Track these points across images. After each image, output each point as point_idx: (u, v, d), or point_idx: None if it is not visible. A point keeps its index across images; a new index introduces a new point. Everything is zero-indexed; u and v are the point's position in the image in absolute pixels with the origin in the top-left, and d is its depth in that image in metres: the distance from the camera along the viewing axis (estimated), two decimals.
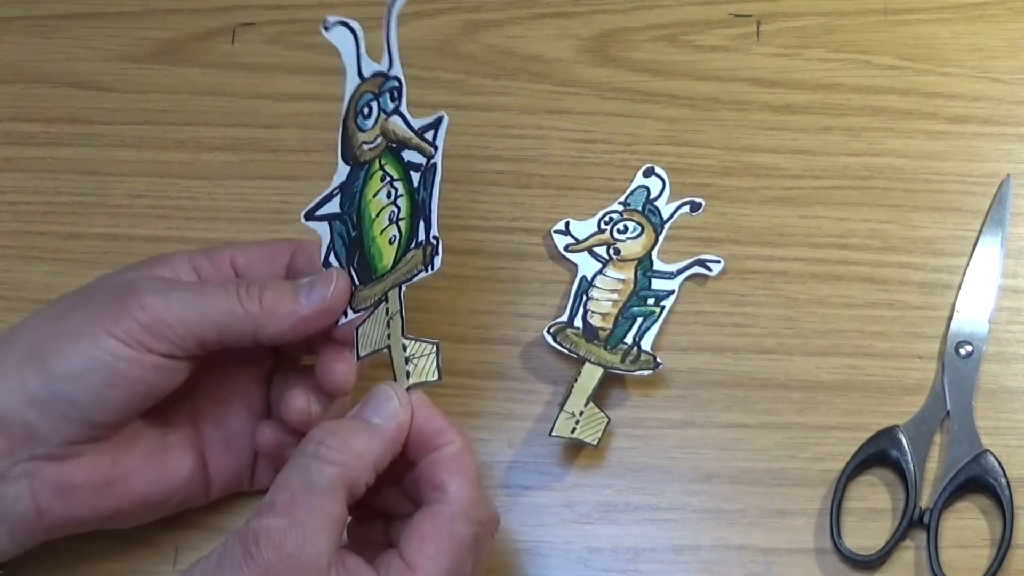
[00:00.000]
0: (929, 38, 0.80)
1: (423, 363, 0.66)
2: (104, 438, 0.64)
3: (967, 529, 0.69)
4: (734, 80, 0.80)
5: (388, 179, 0.64)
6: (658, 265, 0.75)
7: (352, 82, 0.63)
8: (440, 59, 0.82)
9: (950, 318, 0.73)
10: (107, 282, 0.66)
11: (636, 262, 0.75)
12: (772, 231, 0.76)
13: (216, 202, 0.78)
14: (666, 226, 0.76)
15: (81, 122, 0.81)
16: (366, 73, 0.63)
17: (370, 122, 0.63)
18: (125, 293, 0.63)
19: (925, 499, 0.70)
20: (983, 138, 0.78)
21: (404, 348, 0.65)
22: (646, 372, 0.72)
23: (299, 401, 0.65)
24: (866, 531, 0.69)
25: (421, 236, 0.65)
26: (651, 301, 0.74)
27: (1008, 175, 0.77)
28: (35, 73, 0.82)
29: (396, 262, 0.64)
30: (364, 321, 0.64)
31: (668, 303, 0.74)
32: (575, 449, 0.72)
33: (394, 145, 0.64)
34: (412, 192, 0.64)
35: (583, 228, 0.76)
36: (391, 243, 0.64)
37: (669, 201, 0.77)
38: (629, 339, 0.73)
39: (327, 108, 0.81)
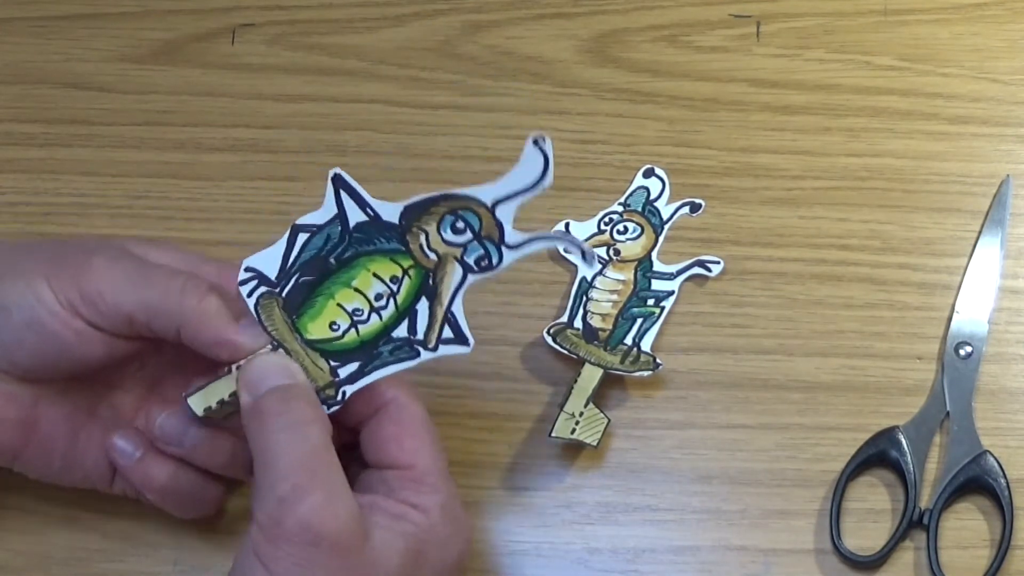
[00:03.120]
0: (929, 38, 0.80)
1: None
2: (28, 381, 0.64)
3: (967, 530, 0.69)
4: (734, 81, 0.80)
5: (393, 289, 0.61)
6: (658, 266, 0.75)
7: (485, 195, 0.60)
8: (440, 60, 0.82)
9: (950, 319, 0.73)
10: (94, 239, 0.66)
11: (636, 263, 0.75)
12: (772, 232, 0.76)
13: (216, 203, 0.78)
14: (666, 227, 0.76)
15: (81, 123, 0.81)
16: (498, 213, 0.59)
17: (450, 237, 0.60)
18: (85, 250, 0.63)
19: (925, 500, 0.70)
20: (983, 138, 0.78)
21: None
22: (646, 373, 0.72)
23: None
24: (866, 532, 0.69)
25: (342, 374, 0.62)
26: (651, 302, 0.74)
27: (1008, 175, 0.77)
28: (35, 74, 0.82)
29: (311, 345, 0.62)
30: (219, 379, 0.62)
31: (668, 304, 0.74)
32: (575, 450, 0.72)
33: (429, 283, 0.61)
34: (385, 333, 0.62)
35: (583, 229, 0.76)
36: (330, 328, 0.62)
37: (669, 202, 0.77)
38: (629, 340, 0.73)
39: (327, 109, 0.81)
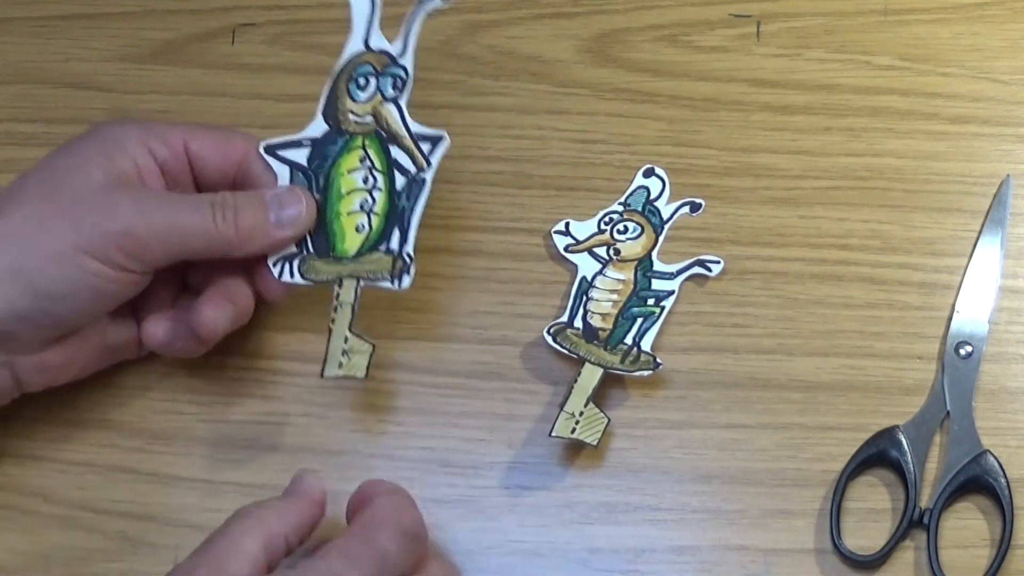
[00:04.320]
0: (929, 38, 0.80)
1: (357, 359, 0.69)
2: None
3: (967, 529, 0.69)
4: (734, 80, 0.80)
5: (368, 164, 0.68)
6: (658, 265, 0.75)
7: (354, 46, 0.68)
8: (440, 60, 0.82)
9: (950, 318, 0.73)
10: (73, 182, 0.68)
11: (636, 262, 0.75)
12: (772, 231, 0.76)
13: None
14: (666, 227, 0.76)
15: (81, 123, 0.80)
16: (373, 45, 0.68)
17: (364, 95, 0.68)
18: (102, 207, 0.66)
19: (925, 499, 0.70)
20: (983, 138, 0.78)
21: (345, 340, 0.69)
22: (646, 372, 0.72)
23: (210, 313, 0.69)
24: (866, 531, 0.69)
25: (394, 245, 0.69)
26: (651, 301, 0.74)
27: (1008, 175, 0.77)
28: (35, 73, 0.82)
29: (360, 253, 0.68)
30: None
31: (668, 303, 0.74)
32: (575, 449, 0.72)
33: (383, 134, 0.68)
34: (392, 192, 0.68)
35: (583, 229, 0.76)
36: (357, 231, 0.68)
37: (669, 201, 0.77)
38: (629, 339, 0.73)
39: None
